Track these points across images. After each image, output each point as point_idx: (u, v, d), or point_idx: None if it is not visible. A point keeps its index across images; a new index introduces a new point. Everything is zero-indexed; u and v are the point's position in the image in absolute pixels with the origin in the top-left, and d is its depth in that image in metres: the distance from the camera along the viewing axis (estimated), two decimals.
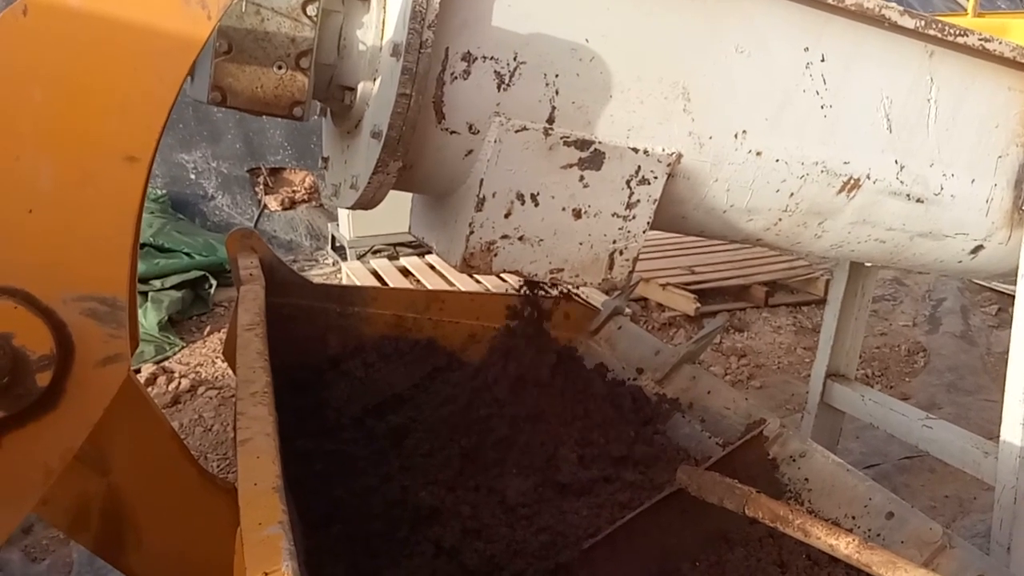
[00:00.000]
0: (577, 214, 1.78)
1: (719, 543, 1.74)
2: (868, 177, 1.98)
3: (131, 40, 1.14)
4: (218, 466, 3.57)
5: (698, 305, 5.17)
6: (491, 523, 1.81)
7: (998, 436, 2.24)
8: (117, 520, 1.77)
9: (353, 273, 5.51)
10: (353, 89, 1.74)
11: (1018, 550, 2.18)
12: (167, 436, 1.81)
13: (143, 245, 5.38)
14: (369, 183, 1.67)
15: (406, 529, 1.81)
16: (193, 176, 6.63)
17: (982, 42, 1.94)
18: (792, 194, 1.95)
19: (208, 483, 1.87)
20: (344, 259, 6.17)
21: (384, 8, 1.68)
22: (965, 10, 6.31)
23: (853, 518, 1.78)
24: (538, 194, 1.73)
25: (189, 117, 6.56)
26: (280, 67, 1.60)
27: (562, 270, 1.83)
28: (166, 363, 4.49)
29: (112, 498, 1.74)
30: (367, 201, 1.75)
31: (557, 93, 1.69)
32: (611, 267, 1.86)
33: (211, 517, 1.78)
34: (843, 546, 1.34)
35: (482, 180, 1.68)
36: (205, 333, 4.94)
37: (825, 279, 5.52)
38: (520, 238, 1.76)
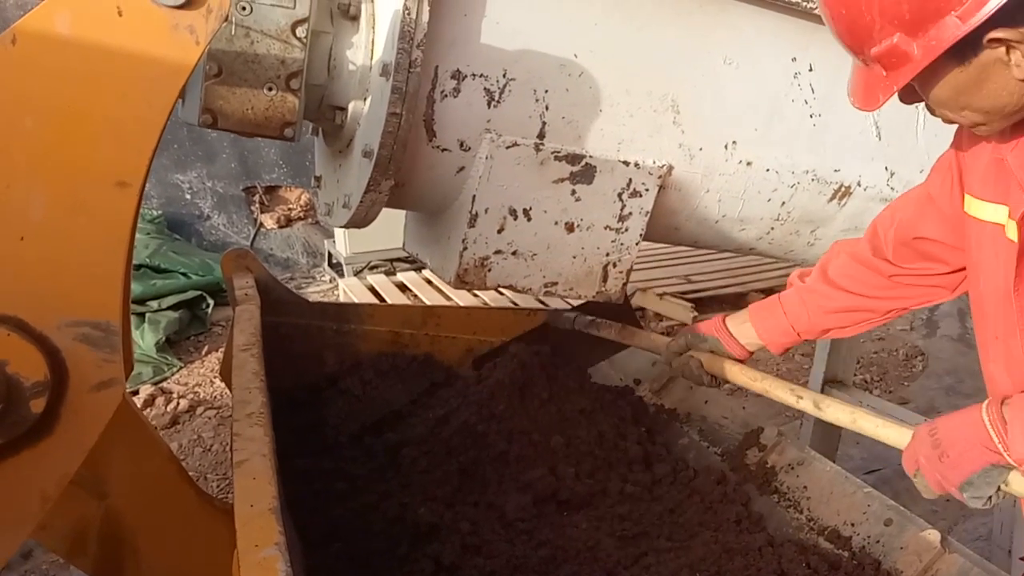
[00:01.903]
0: (570, 228, 1.79)
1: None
2: (859, 184, 1.99)
3: (120, 67, 1.14)
4: (218, 486, 3.56)
5: (695, 314, 5.17)
6: (490, 539, 1.81)
7: None
8: (116, 544, 1.76)
9: (350, 289, 5.51)
10: (344, 109, 1.75)
11: (1019, 553, 2.18)
12: (164, 458, 1.81)
13: (140, 266, 5.37)
14: (361, 202, 1.68)
15: (406, 546, 1.81)
16: (189, 196, 6.63)
17: None
18: (784, 203, 1.96)
19: (206, 504, 1.86)
20: (341, 276, 6.17)
21: (373, 28, 1.70)
22: None
23: (852, 525, 1.78)
24: (530, 209, 1.74)
25: (184, 137, 6.56)
26: (270, 88, 1.61)
27: (556, 284, 1.84)
28: (164, 384, 4.48)
29: (110, 522, 1.73)
30: (360, 220, 1.76)
31: (547, 109, 1.70)
32: (605, 279, 1.87)
33: (210, 539, 1.78)
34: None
35: (474, 196, 1.69)
36: (203, 353, 4.93)
37: None
38: (513, 253, 1.77)
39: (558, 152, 1.71)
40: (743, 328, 1.74)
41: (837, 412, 1.53)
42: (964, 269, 1.41)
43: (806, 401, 1.59)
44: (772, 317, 1.70)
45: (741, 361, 1.75)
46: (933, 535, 1.61)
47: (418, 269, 5.83)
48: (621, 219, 1.82)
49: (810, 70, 1.88)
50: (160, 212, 6.35)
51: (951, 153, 1.37)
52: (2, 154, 1.14)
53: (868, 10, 1.06)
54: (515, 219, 1.74)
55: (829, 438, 3.13)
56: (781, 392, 1.64)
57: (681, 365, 1.82)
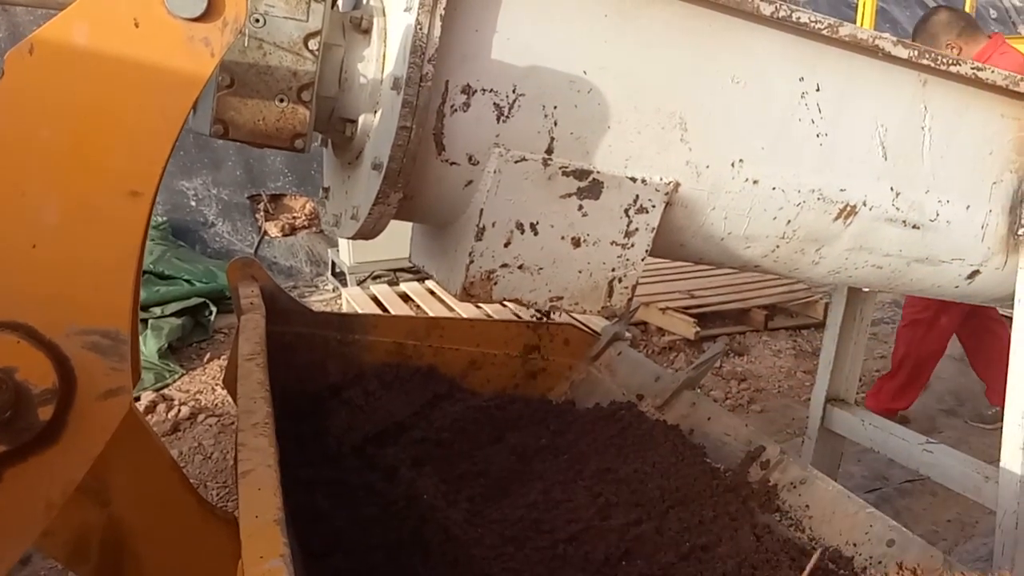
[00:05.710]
0: (576, 243, 1.79)
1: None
2: (864, 204, 2.00)
3: (136, 78, 1.15)
4: (218, 494, 3.55)
5: (698, 329, 5.17)
6: (493, 555, 1.80)
7: (999, 461, 2.24)
8: (117, 552, 1.76)
9: (353, 299, 5.51)
10: (354, 121, 1.76)
11: (1021, 574, 2.17)
12: (167, 467, 1.81)
13: (144, 272, 5.36)
14: (370, 214, 1.68)
15: (407, 558, 1.81)
16: (194, 203, 6.65)
17: (974, 71, 1.96)
18: (789, 221, 1.97)
19: (208, 514, 1.86)
20: (344, 285, 6.18)
21: (385, 42, 1.71)
22: None
23: (854, 545, 1.78)
24: (537, 223, 1.75)
25: (190, 144, 6.59)
26: (282, 100, 1.61)
27: (561, 298, 1.84)
28: (166, 391, 4.48)
29: (112, 529, 1.73)
30: (368, 231, 1.76)
31: (556, 124, 1.71)
32: (610, 295, 1.87)
33: (211, 548, 1.78)
34: None
35: (482, 210, 1.69)
36: (205, 360, 4.93)
37: (824, 302, 5.52)
38: (520, 267, 1.77)
39: (566, 167, 1.72)
40: None
41: None
42: None
43: None
44: None
45: None
46: (936, 557, 1.61)
47: (421, 279, 5.84)
48: (627, 235, 1.83)
49: (817, 90, 1.89)
50: (165, 218, 6.36)
51: None
52: (17, 163, 1.15)
53: None
54: (522, 233, 1.75)
55: (831, 456, 3.12)
56: None
57: None
